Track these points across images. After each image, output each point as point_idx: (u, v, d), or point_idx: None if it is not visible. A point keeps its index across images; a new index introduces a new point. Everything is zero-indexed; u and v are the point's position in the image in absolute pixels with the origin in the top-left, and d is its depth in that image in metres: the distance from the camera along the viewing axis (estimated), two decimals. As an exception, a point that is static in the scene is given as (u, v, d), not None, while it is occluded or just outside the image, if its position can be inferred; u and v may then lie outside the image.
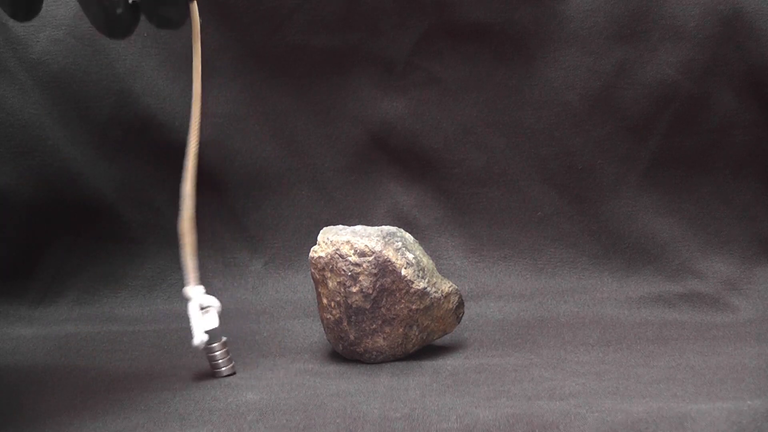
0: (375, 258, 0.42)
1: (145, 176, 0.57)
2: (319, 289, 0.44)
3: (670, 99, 0.56)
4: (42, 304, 0.55)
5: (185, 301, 0.42)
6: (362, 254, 0.42)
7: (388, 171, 0.59)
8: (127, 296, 0.56)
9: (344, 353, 0.44)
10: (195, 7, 0.41)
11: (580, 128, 0.57)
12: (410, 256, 0.43)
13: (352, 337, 0.43)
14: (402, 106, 0.58)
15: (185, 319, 0.53)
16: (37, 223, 0.56)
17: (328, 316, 0.43)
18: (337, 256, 0.42)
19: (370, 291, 0.42)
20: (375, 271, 0.42)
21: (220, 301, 0.57)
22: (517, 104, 0.57)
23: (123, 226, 0.57)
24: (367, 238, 0.42)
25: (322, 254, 0.43)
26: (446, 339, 0.47)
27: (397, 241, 0.43)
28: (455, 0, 0.56)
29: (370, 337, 0.43)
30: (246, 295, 0.56)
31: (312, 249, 0.44)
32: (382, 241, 0.42)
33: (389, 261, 0.42)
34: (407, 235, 0.44)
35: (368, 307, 0.42)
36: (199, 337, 0.40)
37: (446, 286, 0.44)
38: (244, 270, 0.58)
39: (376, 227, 0.44)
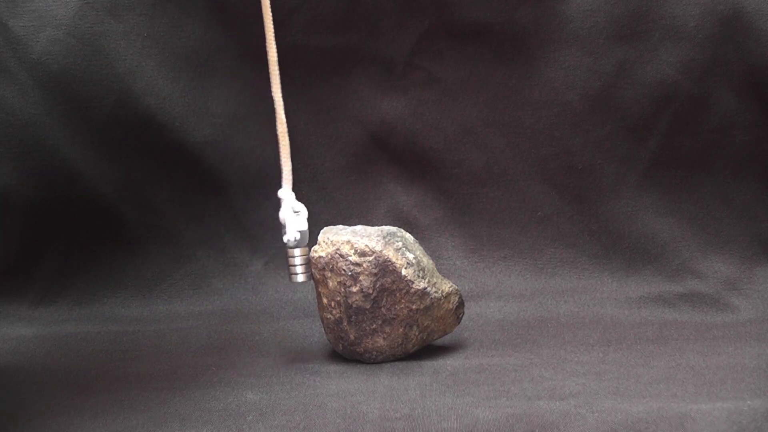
0: (375, 258, 0.42)
1: (145, 176, 0.57)
2: (320, 289, 0.44)
3: (670, 99, 0.56)
4: (42, 304, 0.55)
5: (279, 202, 0.45)
6: (363, 254, 0.42)
7: (388, 171, 0.59)
8: (127, 296, 0.56)
9: (344, 353, 0.44)
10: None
11: (580, 128, 0.57)
12: (410, 256, 0.43)
13: (352, 336, 0.43)
14: (402, 106, 0.58)
15: (185, 319, 0.53)
16: (37, 223, 0.56)
17: (328, 315, 0.43)
18: (337, 255, 0.42)
19: (371, 291, 0.42)
20: (375, 270, 0.42)
21: (220, 302, 0.57)
22: (517, 104, 0.57)
23: (123, 226, 0.57)
24: (367, 238, 0.42)
25: (323, 254, 0.43)
26: (446, 339, 0.47)
27: (397, 241, 0.43)
28: (455, 0, 0.56)
29: (370, 337, 0.43)
30: (246, 295, 0.56)
31: (312, 249, 0.44)
32: (382, 241, 0.42)
33: (389, 261, 0.42)
34: (407, 235, 0.44)
35: (368, 307, 0.42)
36: (292, 234, 0.43)
37: (446, 286, 0.44)
38: (244, 270, 0.58)
39: (377, 227, 0.44)
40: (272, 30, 0.45)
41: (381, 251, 0.42)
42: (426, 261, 0.44)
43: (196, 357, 0.45)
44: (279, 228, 0.60)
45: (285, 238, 0.44)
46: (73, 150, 0.55)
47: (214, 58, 0.57)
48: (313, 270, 0.44)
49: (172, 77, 0.56)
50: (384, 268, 0.42)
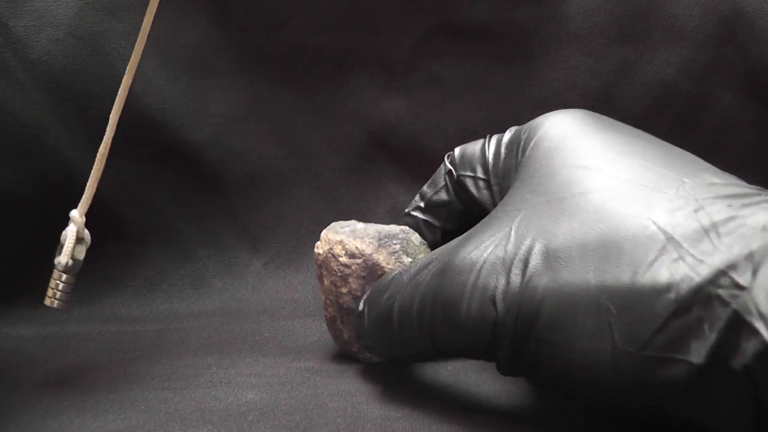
0: (364, 261, 0.41)
1: (145, 176, 0.57)
2: (320, 286, 0.44)
3: (670, 99, 0.56)
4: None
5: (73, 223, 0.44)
6: (352, 256, 0.42)
7: (388, 171, 0.59)
8: (127, 296, 0.56)
9: (342, 350, 0.44)
10: None
11: (580, 128, 0.57)
12: (407, 260, 0.42)
13: (346, 336, 0.43)
14: (402, 106, 0.58)
15: (185, 318, 0.53)
16: (37, 223, 0.56)
17: (326, 313, 0.44)
18: (330, 255, 0.42)
19: (359, 293, 0.41)
20: (364, 273, 0.41)
21: (220, 302, 0.57)
22: (517, 104, 0.57)
23: (123, 226, 0.57)
24: (360, 240, 0.42)
25: (320, 251, 0.43)
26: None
27: (395, 244, 0.42)
28: (455, 0, 0.56)
29: None
30: (246, 295, 0.56)
31: (316, 244, 0.44)
32: (375, 243, 0.42)
33: (378, 265, 0.41)
34: (414, 237, 0.43)
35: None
36: (66, 258, 0.42)
37: None
38: (244, 270, 0.58)
39: (382, 226, 0.43)
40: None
41: (371, 255, 0.41)
42: None
43: (196, 357, 0.45)
44: (279, 228, 0.60)
45: (57, 260, 0.42)
46: (73, 150, 0.55)
47: (214, 58, 0.57)
48: (315, 266, 0.44)
49: (172, 77, 0.56)
50: (372, 272, 0.41)
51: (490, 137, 0.41)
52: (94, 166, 0.43)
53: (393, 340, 0.35)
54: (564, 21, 0.56)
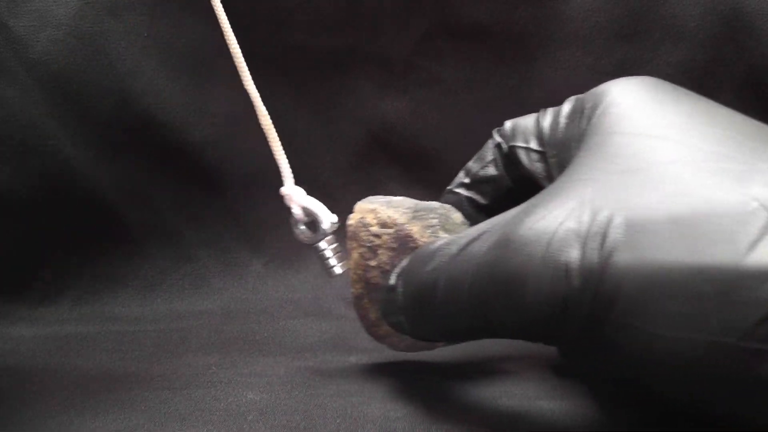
0: (396, 231, 0.38)
1: (145, 176, 0.57)
2: (349, 262, 0.41)
3: (670, 99, 0.56)
4: (42, 304, 0.55)
5: (286, 199, 0.43)
6: (384, 225, 0.38)
7: (388, 171, 0.59)
8: (127, 296, 0.56)
9: (368, 333, 0.41)
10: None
11: (580, 128, 0.57)
12: (444, 236, 0.37)
13: (372, 316, 0.39)
14: (402, 106, 0.58)
15: (185, 318, 0.53)
16: (37, 223, 0.56)
17: (352, 290, 0.40)
18: (361, 224, 0.39)
19: (388, 268, 0.38)
20: (395, 245, 0.38)
21: (220, 302, 0.57)
22: (517, 104, 0.57)
23: (123, 226, 0.57)
24: (394, 209, 0.38)
25: (351, 222, 0.40)
26: (446, 339, 0.47)
27: (432, 218, 0.38)
28: (455, 0, 0.56)
29: None
30: (246, 295, 0.56)
31: (348, 216, 0.41)
32: (410, 214, 0.38)
33: (411, 237, 0.37)
34: (455, 214, 0.39)
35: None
36: (329, 219, 0.42)
37: None
38: (244, 270, 0.58)
39: (425, 202, 0.39)
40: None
41: (403, 225, 0.38)
42: None
43: (196, 357, 0.45)
44: (279, 228, 0.60)
45: (325, 225, 0.42)
46: (73, 150, 0.55)
47: (214, 58, 0.57)
48: (345, 241, 0.41)
49: (172, 77, 0.56)
50: (404, 244, 0.37)
51: (544, 110, 0.39)
52: (270, 138, 0.44)
53: (434, 316, 0.32)
54: (564, 21, 0.56)
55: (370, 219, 0.39)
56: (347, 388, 0.39)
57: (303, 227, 0.43)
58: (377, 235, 0.38)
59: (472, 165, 0.42)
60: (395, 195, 0.60)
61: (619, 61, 0.56)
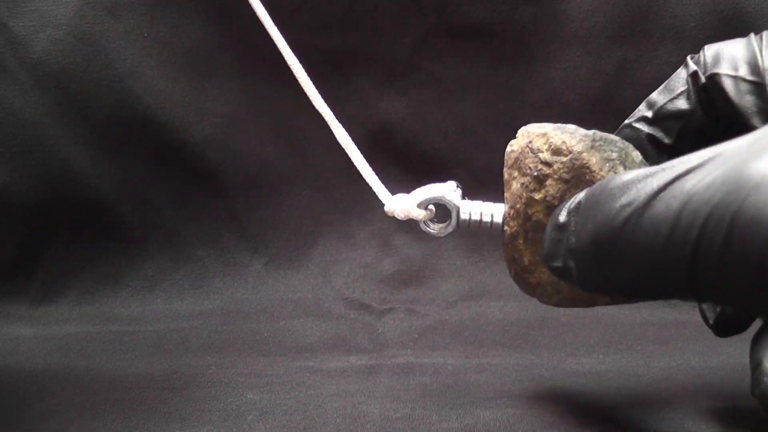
0: (571, 160, 0.32)
1: (145, 176, 0.57)
2: (505, 194, 0.35)
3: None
4: (42, 304, 0.55)
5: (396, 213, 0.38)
6: (557, 152, 0.33)
7: (388, 171, 0.59)
8: (127, 296, 0.56)
9: (516, 281, 0.36)
10: None
11: (580, 128, 0.57)
12: (622, 171, 0.31)
13: (525, 261, 0.34)
14: (402, 107, 0.58)
15: (185, 318, 0.53)
16: (37, 223, 0.56)
17: (506, 228, 0.35)
18: (527, 150, 0.33)
19: (556, 203, 0.32)
20: (567, 176, 0.32)
21: (220, 302, 0.57)
22: (517, 104, 0.57)
23: (123, 226, 0.57)
24: (569, 135, 0.33)
25: (515, 147, 0.34)
26: (446, 339, 0.47)
27: (612, 151, 0.33)
28: (455, 0, 0.56)
29: None
30: (246, 295, 0.56)
31: (510, 143, 0.35)
32: (588, 142, 0.33)
33: (588, 168, 0.32)
34: (634, 153, 0.34)
35: None
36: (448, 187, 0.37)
37: None
38: (244, 270, 0.58)
39: (602, 132, 0.34)
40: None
41: (580, 153, 0.32)
42: None
43: (196, 357, 0.45)
44: (279, 228, 0.60)
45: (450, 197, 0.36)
46: (73, 150, 0.55)
47: (214, 58, 0.57)
48: (504, 170, 0.35)
49: (172, 77, 0.56)
50: (579, 177, 0.32)
51: (759, 34, 0.33)
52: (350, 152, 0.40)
53: (617, 263, 0.27)
54: (564, 21, 0.56)
55: (540, 144, 0.33)
56: (347, 388, 0.39)
57: (432, 225, 0.37)
58: (548, 163, 0.33)
59: (657, 96, 0.36)
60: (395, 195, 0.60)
61: (619, 61, 0.56)
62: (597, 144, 0.33)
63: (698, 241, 0.24)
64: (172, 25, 0.56)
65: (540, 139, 0.33)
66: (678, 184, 0.25)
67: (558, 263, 0.29)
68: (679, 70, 0.36)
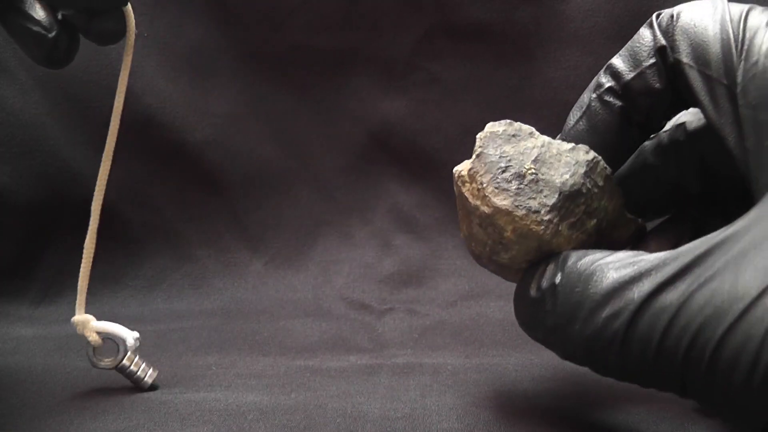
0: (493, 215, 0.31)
1: (145, 176, 0.57)
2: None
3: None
4: (42, 304, 0.55)
5: (78, 328, 0.39)
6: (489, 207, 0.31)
7: (388, 171, 0.59)
8: (127, 296, 0.56)
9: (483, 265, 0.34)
10: (130, 12, 0.38)
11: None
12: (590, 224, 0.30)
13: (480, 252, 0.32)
14: (402, 107, 0.58)
15: (185, 318, 0.53)
16: (37, 223, 0.56)
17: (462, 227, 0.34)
18: (458, 190, 0.33)
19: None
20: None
21: (220, 302, 0.57)
22: (517, 104, 0.57)
23: (123, 226, 0.57)
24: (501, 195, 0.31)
25: (461, 172, 0.33)
26: (446, 339, 0.47)
27: (572, 216, 0.30)
28: (455, 0, 0.56)
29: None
30: (246, 295, 0.56)
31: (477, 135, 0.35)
32: (554, 214, 0.30)
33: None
34: (599, 169, 0.31)
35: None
36: (131, 335, 0.39)
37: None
38: (244, 270, 0.58)
39: (566, 175, 0.31)
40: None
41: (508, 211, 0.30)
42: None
43: (196, 357, 0.45)
44: (279, 228, 0.60)
45: (129, 342, 0.39)
46: (73, 150, 0.55)
47: (214, 58, 0.57)
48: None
49: (172, 77, 0.56)
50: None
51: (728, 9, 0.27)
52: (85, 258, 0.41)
53: (612, 367, 0.27)
54: (564, 21, 0.56)
55: (466, 191, 0.32)
56: (347, 388, 0.39)
57: (101, 358, 0.39)
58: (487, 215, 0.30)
59: (621, 65, 0.30)
60: (395, 195, 0.60)
61: (619, 61, 0.56)
62: (563, 211, 0.30)
63: (686, 360, 0.24)
64: (172, 25, 0.56)
65: (471, 191, 0.32)
66: (664, 297, 0.24)
67: (538, 336, 0.29)
68: (642, 31, 0.30)
